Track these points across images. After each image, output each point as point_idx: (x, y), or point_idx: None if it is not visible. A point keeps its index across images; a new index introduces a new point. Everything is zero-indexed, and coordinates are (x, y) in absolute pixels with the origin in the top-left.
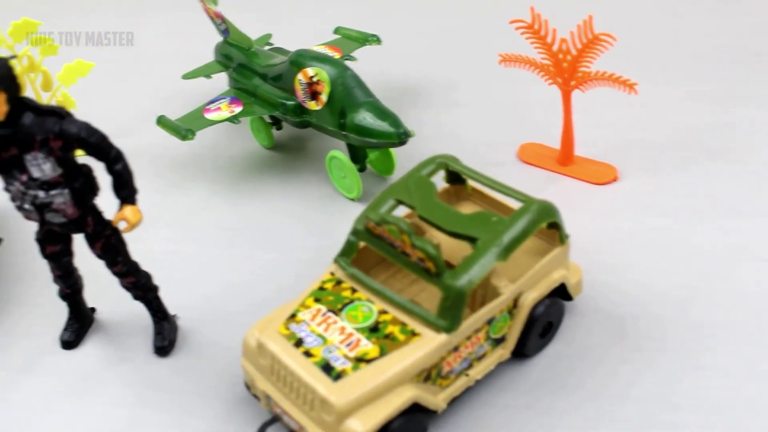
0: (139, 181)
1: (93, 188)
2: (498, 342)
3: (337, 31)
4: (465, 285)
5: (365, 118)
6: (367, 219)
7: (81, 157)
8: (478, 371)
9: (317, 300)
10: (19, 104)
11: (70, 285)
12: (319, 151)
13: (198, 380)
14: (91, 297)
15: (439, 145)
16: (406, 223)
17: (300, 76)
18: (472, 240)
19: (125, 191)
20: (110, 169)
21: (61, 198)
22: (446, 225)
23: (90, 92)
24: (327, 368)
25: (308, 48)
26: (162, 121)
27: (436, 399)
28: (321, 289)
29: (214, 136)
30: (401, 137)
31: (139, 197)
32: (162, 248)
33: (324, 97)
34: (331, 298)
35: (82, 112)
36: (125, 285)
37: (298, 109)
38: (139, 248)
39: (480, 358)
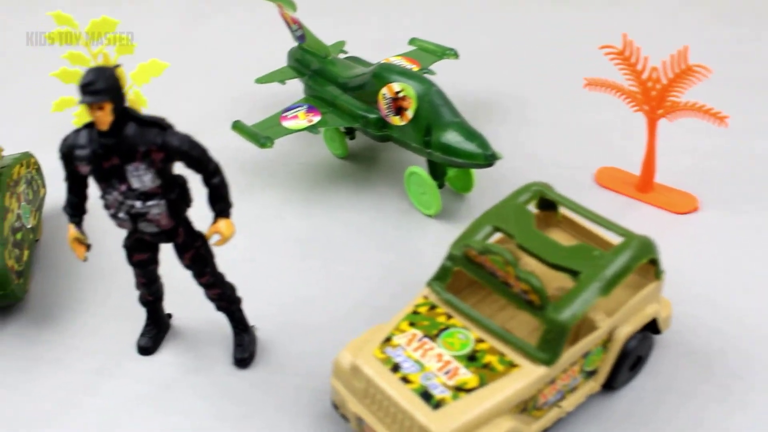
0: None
1: (187, 200)
2: (590, 374)
3: (412, 42)
4: (569, 319)
5: (452, 137)
6: (467, 247)
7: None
8: (570, 403)
9: (412, 324)
10: (123, 114)
11: (153, 292)
12: (395, 164)
13: (279, 395)
14: (168, 303)
15: (517, 163)
16: (510, 254)
17: (384, 91)
18: (573, 273)
19: (221, 204)
20: (207, 183)
21: (157, 209)
22: (547, 256)
23: (158, 93)
24: (426, 396)
25: (391, 62)
26: (238, 127)
27: (530, 430)
28: (415, 313)
29: (286, 142)
30: (488, 159)
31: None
32: (235, 256)
33: (409, 114)
34: (426, 323)
35: (152, 112)
36: (210, 296)
37: (380, 123)
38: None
39: (572, 390)
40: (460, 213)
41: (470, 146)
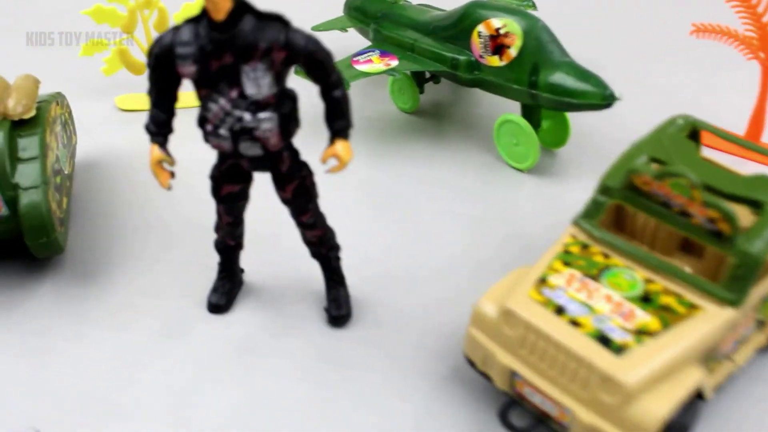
0: None
1: (298, 118)
2: (760, 325)
3: None
4: (762, 252)
5: (565, 76)
6: (636, 173)
7: None
8: (742, 357)
9: (567, 264)
10: (240, 4)
11: (236, 236)
12: (471, 117)
13: (388, 354)
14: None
15: (599, 122)
16: (696, 176)
17: (481, 28)
18: (756, 205)
19: (341, 122)
20: (328, 95)
21: (268, 123)
22: (725, 187)
23: None
24: (604, 340)
25: None
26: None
27: (710, 384)
28: (566, 252)
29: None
30: (607, 99)
31: None
32: None
33: (513, 52)
34: (582, 263)
35: None
36: (309, 238)
37: (472, 65)
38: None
39: (743, 342)
40: (553, 169)
41: (586, 85)
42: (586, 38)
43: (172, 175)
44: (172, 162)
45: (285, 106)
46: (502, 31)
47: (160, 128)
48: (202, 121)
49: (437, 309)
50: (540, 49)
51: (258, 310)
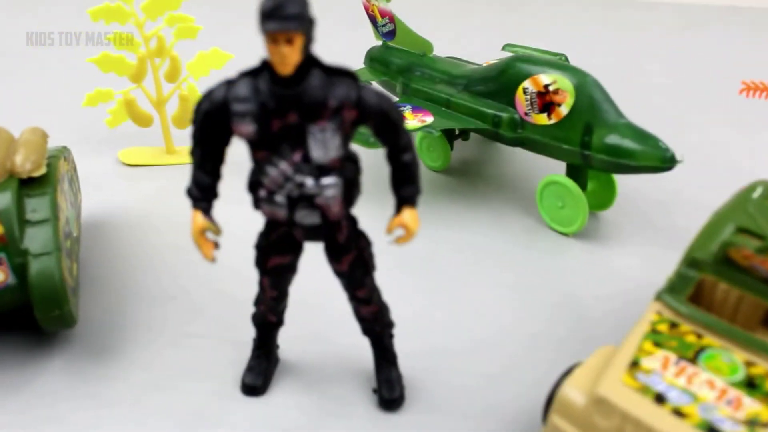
0: None
1: (360, 184)
2: None
3: (506, 48)
4: None
5: (622, 137)
6: (734, 246)
7: None
8: None
9: (657, 345)
10: (308, 57)
11: (279, 311)
12: (505, 177)
13: None
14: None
15: (641, 185)
16: None
17: (527, 84)
18: None
19: (410, 188)
20: (397, 158)
21: (332, 190)
22: None
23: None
24: None
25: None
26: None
27: None
28: (654, 332)
29: (370, 152)
30: (669, 162)
31: None
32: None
33: (564, 110)
34: (674, 344)
35: None
36: (364, 315)
37: (515, 123)
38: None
39: None
40: (597, 233)
41: (645, 147)
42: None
43: (217, 245)
44: (217, 231)
45: (349, 170)
46: (551, 88)
47: (204, 193)
48: (255, 186)
49: (494, 387)
50: (593, 107)
51: (298, 391)
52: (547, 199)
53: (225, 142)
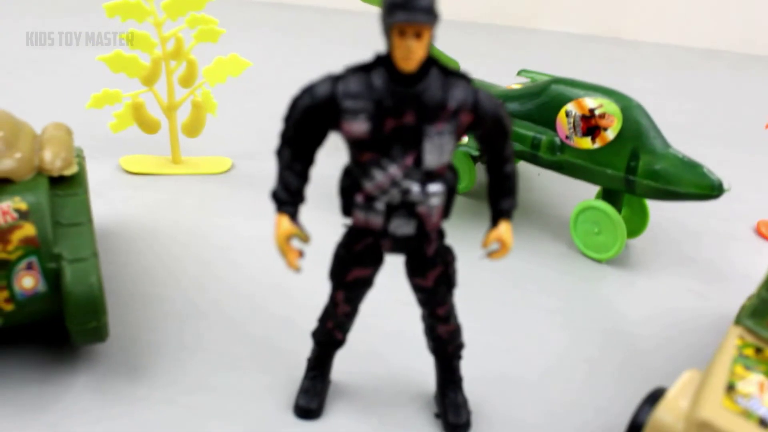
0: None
1: (456, 194)
2: None
3: (521, 73)
4: None
5: (670, 163)
6: None
7: None
8: None
9: (748, 369)
10: (429, 55)
11: (346, 329)
12: (531, 201)
13: None
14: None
15: (671, 213)
16: None
17: (571, 108)
18: None
19: (509, 201)
20: (499, 169)
21: (437, 198)
22: None
23: (228, 98)
24: None
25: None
26: None
27: None
28: (742, 356)
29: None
30: (717, 190)
31: (317, 229)
32: (384, 297)
33: (610, 135)
34: (764, 368)
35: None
36: (441, 333)
37: (554, 146)
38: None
39: None
40: (630, 260)
41: (692, 174)
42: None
43: (302, 254)
44: (306, 238)
45: (450, 179)
46: (597, 112)
47: (292, 196)
48: (351, 191)
49: (562, 414)
50: (640, 132)
51: (355, 415)
52: (582, 224)
53: (319, 142)
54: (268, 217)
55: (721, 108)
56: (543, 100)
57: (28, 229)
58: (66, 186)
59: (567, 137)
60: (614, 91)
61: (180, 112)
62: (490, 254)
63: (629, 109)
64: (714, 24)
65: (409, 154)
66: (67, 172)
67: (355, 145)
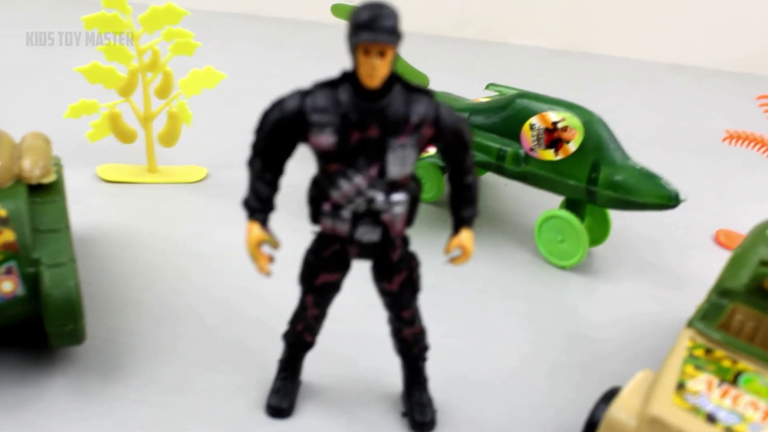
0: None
1: (419, 203)
2: None
3: (489, 87)
4: None
5: (629, 175)
6: (766, 277)
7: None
8: None
9: (698, 368)
10: (392, 72)
11: (316, 332)
12: (492, 209)
13: None
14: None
15: (633, 222)
16: None
17: (535, 121)
18: None
19: (470, 210)
20: (460, 179)
21: (400, 207)
22: None
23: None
24: None
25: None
26: None
27: None
28: (692, 357)
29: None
30: (674, 200)
31: (285, 236)
32: (351, 301)
33: (572, 147)
34: (712, 368)
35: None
36: (406, 336)
37: (518, 158)
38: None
39: None
40: (593, 267)
41: (651, 185)
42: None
43: (272, 259)
44: (276, 244)
45: (413, 188)
46: (560, 125)
47: (263, 205)
48: (319, 200)
49: (523, 414)
50: (601, 145)
51: (325, 415)
52: (546, 233)
53: (288, 154)
54: (241, 225)
55: (684, 121)
56: (508, 113)
57: (8, 235)
58: (44, 194)
59: (531, 149)
60: (576, 105)
61: (156, 122)
62: (453, 260)
63: (590, 122)
64: (678, 39)
65: (373, 166)
66: (46, 180)
67: (323, 156)
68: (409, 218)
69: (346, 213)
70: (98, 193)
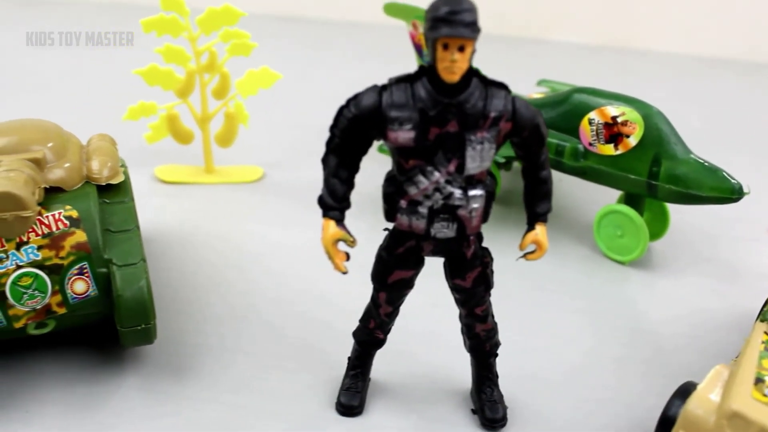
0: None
1: (494, 198)
2: None
3: (541, 83)
4: None
5: (691, 168)
6: None
7: None
8: None
9: None
10: (470, 66)
11: (387, 330)
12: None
13: None
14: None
15: (689, 216)
16: None
17: (594, 116)
18: None
19: (545, 205)
20: (536, 174)
21: (476, 202)
22: None
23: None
24: None
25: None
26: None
27: None
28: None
29: None
30: (738, 193)
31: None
32: (418, 300)
33: (632, 141)
34: None
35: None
36: (478, 332)
37: (577, 153)
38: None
39: None
40: (652, 262)
41: (713, 178)
42: None
43: (348, 257)
44: (352, 242)
45: (489, 184)
46: (620, 120)
47: (338, 202)
48: (395, 196)
49: (594, 410)
50: (661, 138)
51: (395, 412)
52: (605, 228)
53: (364, 151)
54: (299, 226)
55: (730, 115)
56: (566, 108)
57: (80, 236)
58: (113, 194)
59: (590, 144)
60: (635, 99)
61: (213, 123)
62: (527, 255)
63: (651, 116)
64: (721, 32)
65: (452, 161)
66: (114, 181)
67: (401, 152)
68: (486, 214)
69: (423, 209)
70: (157, 194)
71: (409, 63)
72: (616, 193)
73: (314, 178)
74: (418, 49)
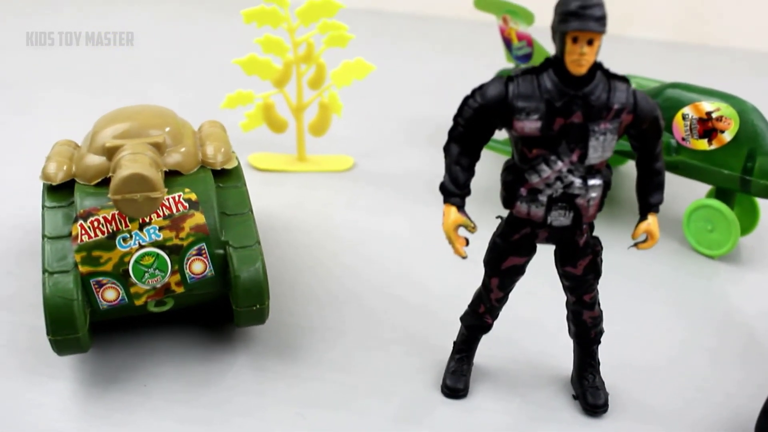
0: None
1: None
2: None
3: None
4: None
5: None
6: None
7: None
8: None
9: None
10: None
11: (496, 315)
12: (631, 200)
13: None
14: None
15: None
16: None
17: (688, 111)
18: None
19: (658, 195)
20: (650, 165)
21: (595, 191)
22: None
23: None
24: None
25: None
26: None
27: None
28: None
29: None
30: None
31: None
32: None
33: (727, 136)
34: None
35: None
36: (586, 319)
37: (670, 148)
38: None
39: None
40: (741, 256)
41: None
42: None
43: (467, 242)
44: (473, 227)
45: (606, 174)
46: (714, 115)
47: (460, 189)
48: (515, 184)
49: (693, 401)
50: (756, 134)
51: (498, 395)
52: (695, 222)
53: (486, 139)
54: (390, 214)
55: None
56: (660, 103)
57: (198, 218)
58: (227, 179)
59: (683, 139)
60: (730, 95)
61: (307, 112)
62: (638, 244)
63: (746, 112)
64: None
65: (575, 151)
66: (228, 166)
67: (526, 141)
68: (602, 203)
69: (543, 197)
70: (252, 181)
71: (496, 57)
72: (704, 188)
73: (403, 168)
74: (507, 43)
